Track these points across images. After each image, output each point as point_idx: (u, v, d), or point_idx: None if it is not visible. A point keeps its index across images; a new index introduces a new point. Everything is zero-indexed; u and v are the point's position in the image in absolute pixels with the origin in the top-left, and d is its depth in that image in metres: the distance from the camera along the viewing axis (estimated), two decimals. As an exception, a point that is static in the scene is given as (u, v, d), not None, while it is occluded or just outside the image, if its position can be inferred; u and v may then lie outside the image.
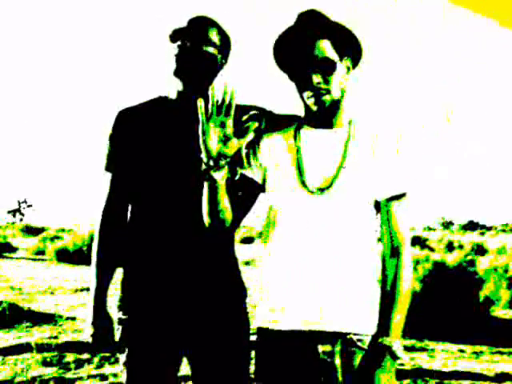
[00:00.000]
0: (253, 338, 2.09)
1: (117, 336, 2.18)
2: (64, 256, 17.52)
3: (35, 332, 6.69)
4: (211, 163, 1.86)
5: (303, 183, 1.96)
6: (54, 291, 10.56)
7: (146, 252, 2.17)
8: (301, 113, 2.11)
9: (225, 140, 1.86)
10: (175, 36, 2.18)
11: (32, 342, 5.98)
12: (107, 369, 5.15)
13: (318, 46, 1.95)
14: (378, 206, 2.01)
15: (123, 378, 2.15)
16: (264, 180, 2.06)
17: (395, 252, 1.96)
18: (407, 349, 6.12)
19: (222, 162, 1.87)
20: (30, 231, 37.43)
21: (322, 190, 1.94)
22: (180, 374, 2.31)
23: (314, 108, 1.97)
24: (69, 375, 4.97)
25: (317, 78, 1.94)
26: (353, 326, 1.90)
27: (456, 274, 7.50)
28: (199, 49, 2.16)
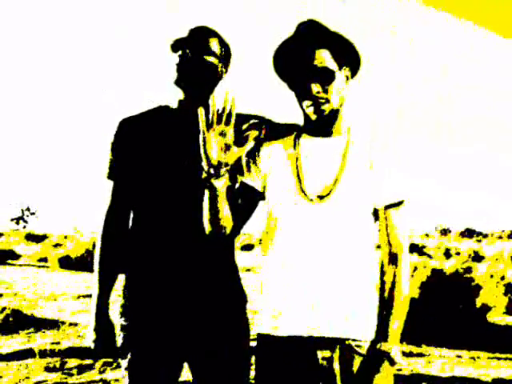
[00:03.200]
0: (253, 343, 2.11)
1: (119, 342, 2.20)
2: (66, 263, 17.50)
3: (38, 338, 6.68)
4: (212, 171, 1.88)
5: (302, 191, 1.97)
6: (57, 297, 10.55)
7: (147, 259, 2.19)
8: (300, 121, 2.13)
9: (225, 148, 1.88)
10: (176, 46, 2.20)
11: (35, 348, 5.97)
12: (109, 374, 5.15)
13: (317, 56, 1.97)
14: (376, 213, 2.02)
15: (125, 383, 2.16)
16: (264, 188, 2.07)
17: (393, 259, 1.97)
18: (405, 354, 6.12)
19: (223, 171, 1.89)
20: (33, 238, 37.27)
21: (321, 197, 1.96)
22: (181, 379, 2.33)
23: (314, 117, 1.99)
24: (71, 380, 4.98)
25: (316, 88, 1.95)
26: (351, 331, 1.91)
27: (453, 280, 7.51)
28: (200, 58, 2.19)
